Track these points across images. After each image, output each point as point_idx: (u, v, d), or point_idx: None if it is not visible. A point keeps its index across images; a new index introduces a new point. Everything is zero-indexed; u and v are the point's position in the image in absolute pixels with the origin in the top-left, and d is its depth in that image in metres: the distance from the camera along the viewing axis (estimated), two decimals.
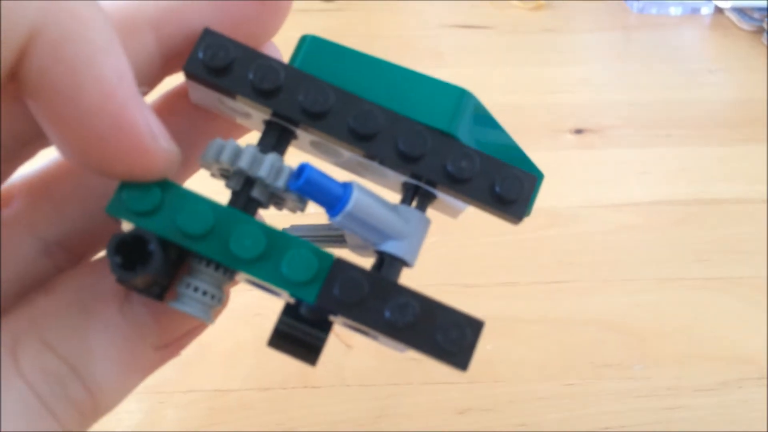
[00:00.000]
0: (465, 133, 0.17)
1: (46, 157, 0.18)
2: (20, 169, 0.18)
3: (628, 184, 0.47)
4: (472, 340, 0.16)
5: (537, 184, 0.17)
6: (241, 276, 0.17)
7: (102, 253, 0.18)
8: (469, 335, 0.16)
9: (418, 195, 0.18)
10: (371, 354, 0.35)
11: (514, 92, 0.55)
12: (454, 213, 0.20)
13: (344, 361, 0.35)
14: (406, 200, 0.18)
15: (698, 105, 0.54)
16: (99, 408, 0.16)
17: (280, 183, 0.17)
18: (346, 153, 0.17)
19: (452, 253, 0.40)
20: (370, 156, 0.17)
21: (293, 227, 0.21)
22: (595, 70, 0.58)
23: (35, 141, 0.16)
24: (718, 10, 0.66)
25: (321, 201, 0.17)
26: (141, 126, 0.14)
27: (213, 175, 0.18)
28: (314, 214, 0.20)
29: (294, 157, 0.18)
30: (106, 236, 0.18)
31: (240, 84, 0.16)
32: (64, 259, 0.18)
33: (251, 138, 0.20)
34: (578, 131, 0.51)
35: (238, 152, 0.16)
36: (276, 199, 0.18)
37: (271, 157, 0.17)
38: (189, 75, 0.16)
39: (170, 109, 0.19)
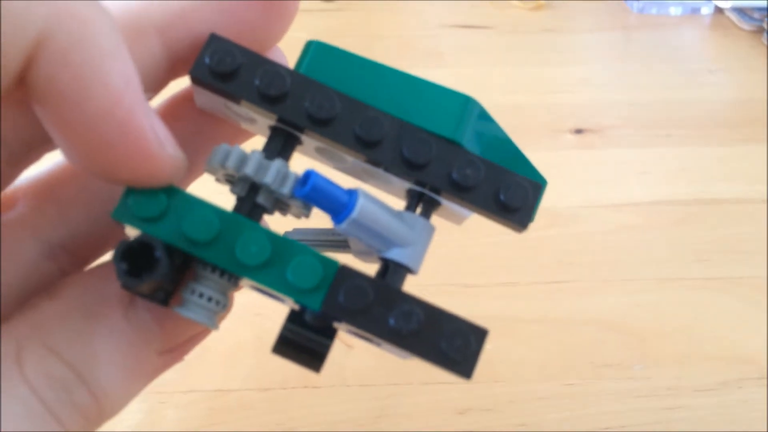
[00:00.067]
0: (469, 140, 0.17)
1: (51, 160, 0.18)
2: (25, 172, 0.18)
3: (628, 184, 0.47)
4: (477, 348, 0.16)
5: (541, 191, 0.17)
6: (245, 282, 0.17)
7: (106, 257, 0.18)
8: (473, 343, 0.16)
9: (422, 202, 0.18)
10: (371, 354, 0.35)
11: (514, 92, 0.55)
12: (458, 220, 0.20)
13: (344, 361, 0.35)
14: (410, 207, 0.18)
15: (698, 105, 0.54)
16: (103, 413, 0.16)
17: (286, 189, 0.17)
18: (351, 159, 0.17)
19: (452, 253, 0.40)
20: (375, 163, 0.17)
21: (295, 230, 0.21)
22: (595, 70, 0.58)
23: (41, 145, 0.16)
24: (718, 10, 0.66)
25: (326, 208, 0.17)
26: (147, 132, 0.14)
27: (218, 180, 0.18)
28: (316, 218, 0.20)
29: (297, 161, 0.18)
30: (110, 240, 0.18)
31: (246, 90, 0.16)
32: (67, 262, 0.18)
33: (256, 143, 0.20)
34: (578, 131, 0.51)
35: (243, 158, 0.16)
36: (281, 205, 0.18)
37: (276, 164, 0.17)
38: (195, 80, 0.16)
39: (175, 114, 0.19)
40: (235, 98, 0.17)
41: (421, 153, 0.17)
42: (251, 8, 0.16)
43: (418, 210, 0.18)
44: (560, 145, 0.50)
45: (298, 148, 0.18)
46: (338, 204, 0.16)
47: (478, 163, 0.17)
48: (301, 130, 0.17)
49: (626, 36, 0.63)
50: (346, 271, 0.16)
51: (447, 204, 0.18)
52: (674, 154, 0.49)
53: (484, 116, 0.18)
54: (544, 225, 0.43)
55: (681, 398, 0.34)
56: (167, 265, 0.15)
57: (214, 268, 0.16)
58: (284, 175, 0.17)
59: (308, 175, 0.16)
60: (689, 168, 0.48)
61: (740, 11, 0.65)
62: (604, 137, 0.51)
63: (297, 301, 0.16)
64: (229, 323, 0.20)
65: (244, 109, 0.17)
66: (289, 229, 0.22)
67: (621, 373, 0.35)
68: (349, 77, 0.17)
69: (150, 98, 0.17)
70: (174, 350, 0.18)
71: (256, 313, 0.35)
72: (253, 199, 0.17)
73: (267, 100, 0.16)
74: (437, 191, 0.17)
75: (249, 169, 0.16)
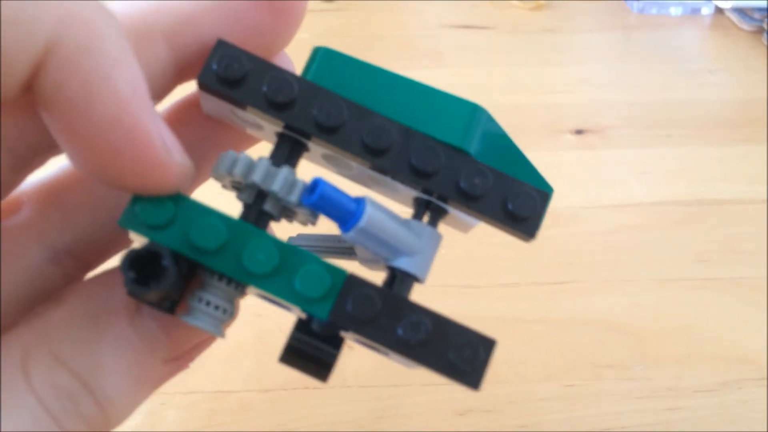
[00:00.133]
0: (477, 148, 0.17)
1: (56, 164, 0.18)
2: (30, 176, 0.17)
3: (629, 185, 0.47)
4: (485, 358, 0.16)
5: (548, 200, 0.17)
6: (252, 290, 0.17)
7: (111, 264, 0.18)
8: (481, 354, 0.16)
9: (429, 210, 0.18)
10: (372, 355, 0.34)
11: (514, 92, 0.55)
12: (465, 228, 0.20)
13: (345, 362, 0.34)
14: (417, 215, 0.18)
15: (698, 105, 0.54)
16: (109, 422, 0.16)
17: (294, 198, 0.16)
18: (358, 166, 0.17)
19: (453, 254, 0.40)
20: (383, 171, 0.17)
21: (300, 236, 0.21)
22: (596, 70, 0.58)
23: (47, 150, 0.16)
24: (719, 11, 0.66)
25: (334, 216, 0.16)
26: (155, 139, 0.14)
27: (224, 186, 0.18)
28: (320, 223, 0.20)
29: (302, 167, 0.18)
30: (115, 245, 0.18)
31: (253, 96, 0.16)
32: (72, 267, 0.18)
33: (261, 148, 0.20)
34: (578, 131, 0.51)
35: (251, 166, 0.16)
36: (287, 212, 0.18)
37: (284, 172, 0.16)
38: (202, 86, 0.16)
39: (182, 119, 0.19)
40: (242, 105, 0.17)
41: (430, 161, 0.16)
42: (258, 13, 0.16)
43: (425, 218, 0.18)
44: (560, 146, 0.50)
45: (305, 155, 0.18)
46: (346, 212, 0.16)
47: (486, 172, 0.17)
48: (308, 137, 0.17)
49: (626, 36, 0.63)
50: (354, 281, 0.16)
51: (454, 212, 0.18)
52: (674, 155, 0.49)
53: (491, 124, 0.18)
54: (545, 225, 0.42)
55: (681, 399, 0.34)
56: (175, 274, 0.15)
57: (220, 276, 0.16)
58: (292, 182, 0.16)
59: (316, 183, 0.16)
60: (689, 168, 0.48)
61: (740, 11, 0.65)
62: (605, 137, 0.51)
63: (304, 311, 0.16)
64: None
65: (251, 116, 0.17)
66: (293, 234, 0.22)
67: (621, 373, 0.35)
68: (356, 84, 0.17)
69: (156, 103, 0.17)
70: (179, 358, 0.18)
71: (257, 314, 0.35)
72: (260, 206, 0.17)
73: (274, 107, 0.16)
74: (444, 200, 0.17)
75: (257, 177, 0.16)
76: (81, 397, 0.15)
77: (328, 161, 0.18)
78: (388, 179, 0.17)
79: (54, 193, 0.18)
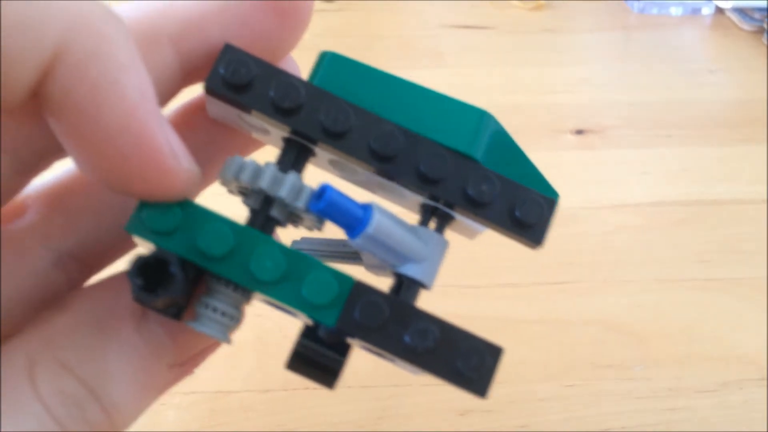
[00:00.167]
0: (484, 155, 0.17)
1: (61, 167, 0.18)
2: (34, 180, 0.17)
3: (629, 185, 0.47)
4: (492, 366, 0.16)
5: (555, 207, 0.17)
6: (258, 296, 0.17)
7: (115, 268, 0.18)
8: (488, 361, 0.16)
9: (436, 216, 0.18)
10: (372, 355, 0.35)
11: (515, 92, 0.55)
12: (471, 234, 0.20)
13: (348, 363, 0.34)
14: (424, 221, 0.18)
15: (699, 105, 0.54)
16: (115, 429, 0.16)
17: (301, 204, 0.16)
18: (364, 171, 0.17)
19: (454, 254, 0.40)
20: (390, 177, 0.17)
21: (303, 240, 0.21)
22: (596, 70, 0.58)
23: (52, 154, 0.16)
24: (719, 11, 0.66)
25: (341, 223, 0.16)
26: (162, 146, 0.14)
27: (230, 191, 0.18)
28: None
29: (309, 171, 0.18)
30: (119, 249, 0.18)
31: (261, 101, 0.16)
32: (75, 270, 0.18)
33: (267, 152, 0.20)
34: (579, 131, 0.51)
35: (258, 172, 0.16)
36: (294, 218, 0.18)
37: (291, 178, 0.16)
38: (209, 91, 0.16)
39: (187, 124, 0.18)
40: (249, 110, 0.16)
41: (437, 168, 0.16)
42: (265, 17, 0.16)
43: (432, 224, 0.18)
44: (560, 146, 0.50)
45: (312, 160, 0.18)
46: (353, 219, 0.16)
47: (493, 179, 0.17)
48: (315, 142, 0.17)
49: (627, 36, 0.63)
50: (361, 287, 0.16)
51: (461, 218, 0.18)
52: (674, 155, 0.49)
53: (498, 130, 0.18)
54: None
55: (681, 399, 0.34)
56: (182, 280, 0.15)
57: (227, 282, 0.16)
58: (299, 188, 0.16)
59: (323, 189, 0.16)
60: (690, 168, 0.48)
61: (741, 11, 0.65)
62: (605, 137, 0.51)
63: (311, 317, 0.16)
64: None
65: (258, 120, 0.17)
66: (296, 237, 0.22)
67: (622, 373, 0.35)
68: (363, 89, 0.17)
69: (162, 107, 0.17)
70: (184, 363, 0.18)
71: (257, 314, 0.35)
72: (267, 211, 0.17)
73: (281, 113, 0.16)
74: (451, 206, 0.17)
75: (264, 183, 0.16)
76: (87, 404, 0.15)
77: (334, 166, 0.18)
78: (394, 185, 0.17)
79: (59, 196, 0.18)
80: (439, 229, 0.18)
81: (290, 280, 0.16)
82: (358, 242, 0.16)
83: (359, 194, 0.18)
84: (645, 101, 0.54)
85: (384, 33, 0.62)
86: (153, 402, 0.17)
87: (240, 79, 0.16)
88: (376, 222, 0.16)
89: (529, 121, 0.52)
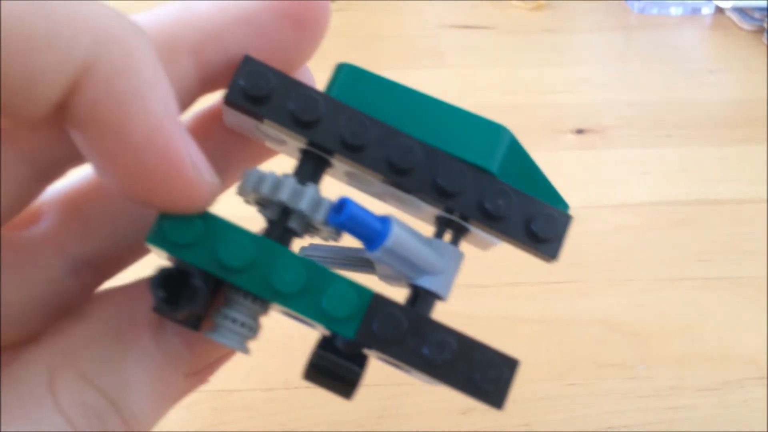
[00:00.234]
0: (500, 168, 0.17)
1: (75, 173, 0.18)
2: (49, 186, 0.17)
3: (629, 185, 0.47)
4: (508, 378, 0.16)
5: (570, 222, 0.17)
6: (276, 307, 0.17)
7: (130, 275, 0.18)
8: (505, 374, 0.16)
9: (451, 228, 0.18)
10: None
11: (515, 92, 0.55)
12: (485, 246, 0.20)
13: None
14: (439, 233, 0.18)
15: (699, 105, 0.54)
16: None
17: (320, 216, 0.16)
18: (380, 183, 0.17)
19: None
20: (408, 190, 0.17)
21: (312, 246, 0.21)
22: (596, 70, 0.58)
23: (70, 162, 0.16)
24: (719, 10, 0.66)
25: (360, 235, 0.17)
26: (186, 160, 0.14)
27: (247, 202, 0.18)
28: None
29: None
30: (133, 255, 0.18)
31: (280, 114, 0.16)
32: (90, 277, 0.18)
33: (281, 161, 0.20)
34: (579, 131, 0.51)
35: (278, 184, 0.16)
36: (311, 229, 0.18)
37: (311, 191, 0.17)
38: (229, 103, 0.16)
39: (204, 133, 0.18)
40: (268, 121, 0.17)
41: (455, 182, 0.17)
42: (283, 28, 0.16)
43: (447, 236, 0.18)
44: (561, 146, 0.50)
45: (328, 170, 0.18)
46: (372, 232, 0.16)
47: (510, 193, 0.17)
48: (333, 154, 0.17)
49: (627, 36, 0.63)
50: (379, 300, 0.16)
51: (476, 231, 0.18)
52: (675, 155, 0.49)
53: (514, 144, 0.18)
54: None
55: (683, 398, 0.34)
56: (205, 292, 0.15)
57: (246, 294, 0.16)
58: (318, 201, 0.17)
59: (343, 203, 0.16)
60: (690, 168, 0.48)
61: (741, 11, 0.65)
62: (605, 137, 0.51)
63: (331, 329, 0.16)
64: None
65: (275, 131, 0.17)
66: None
67: (623, 373, 0.35)
68: (379, 101, 0.17)
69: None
70: (200, 372, 0.18)
71: None
72: (285, 223, 0.17)
73: (301, 125, 0.16)
74: (467, 219, 0.17)
75: (284, 195, 0.16)
76: (108, 416, 0.15)
77: (350, 178, 0.18)
78: (410, 197, 0.17)
79: (74, 203, 0.17)
80: (455, 241, 0.18)
81: (310, 292, 0.16)
82: (376, 255, 0.17)
83: (374, 205, 0.18)
84: (645, 101, 0.54)
85: (384, 33, 0.62)
86: (168, 410, 0.17)
87: (260, 91, 0.16)
88: (394, 235, 0.16)
89: (529, 121, 0.52)
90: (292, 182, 0.16)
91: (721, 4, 0.66)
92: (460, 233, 0.18)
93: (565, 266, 0.41)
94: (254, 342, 0.17)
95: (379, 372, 0.35)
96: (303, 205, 0.16)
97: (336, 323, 0.16)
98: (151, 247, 0.16)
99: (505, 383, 0.16)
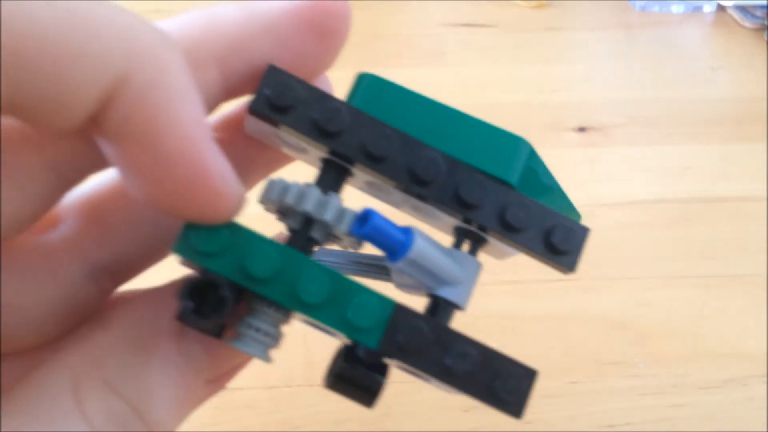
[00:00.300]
0: (519, 181, 0.17)
1: (94, 179, 0.18)
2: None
3: (631, 183, 0.47)
4: (527, 389, 0.16)
5: (587, 234, 0.17)
6: (298, 316, 0.17)
7: (144, 281, 0.18)
8: (524, 384, 0.16)
9: (470, 239, 0.18)
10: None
11: (517, 91, 0.55)
12: (502, 255, 0.20)
13: None
14: (458, 243, 0.18)
15: (701, 103, 0.54)
16: None
17: (344, 227, 0.17)
18: (400, 193, 0.17)
19: None
20: (429, 200, 0.17)
21: (322, 251, 0.21)
22: (597, 68, 0.58)
23: (93, 170, 0.16)
24: (721, 8, 0.66)
25: (383, 246, 0.17)
26: (215, 172, 0.14)
27: (267, 209, 0.18)
28: None
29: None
30: (150, 261, 0.18)
31: (304, 123, 0.16)
32: (108, 283, 0.18)
33: (297, 167, 0.20)
34: (581, 129, 0.51)
35: (302, 194, 0.17)
36: (332, 238, 0.18)
37: (335, 201, 0.17)
38: (254, 112, 0.16)
39: (224, 140, 0.18)
40: (292, 131, 0.17)
41: (476, 194, 0.17)
42: (306, 38, 0.16)
43: (465, 247, 0.18)
44: (563, 144, 0.50)
45: (349, 179, 0.18)
46: (396, 243, 0.17)
47: (530, 206, 0.17)
48: (354, 164, 0.17)
49: (628, 34, 0.63)
50: (402, 310, 0.16)
51: (494, 241, 0.18)
52: (677, 152, 0.49)
53: (533, 157, 0.18)
54: None
55: (685, 395, 0.34)
56: (233, 302, 0.15)
57: (269, 303, 0.16)
58: (342, 212, 0.17)
59: (368, 214, 0.16)
60: (692, 166, 0.48)
61: (742, 9, 0.65)
62: (607, 135, 0.51)
63: (355, 340, 0.16)
64: None
65: (296, 139, 0.17)
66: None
67: (626, 370, 0.35)
68: (400, 111, 0.17)
69: None
70: (219, 378, 0.18)
71: None
72: (307, 232, 0.17)
73: (324, 135, 0.16)
74: (485, 230, 0.17)
75: (309, 206, 0.16)
76: (132, 423, 0.15)
77: (369, 187, 0.18)
78: (429, 207, 0.17)
79: (94, 209, 0.18)
80: (473, 251, 0.18)
81: (335, 302, 0.16)
82: (398, 266, 0.17)
83: (392, 214, 0.18)
84: (647, 99, 0.54)
85: (386, 31, 0.62)
86: (188, 416, 0.17)
87: (284, 101, 0.16)
88: (417, 246, 0.17)
89: (531, 119, 0.52)
90: (316, 193, 0.17)
91: (723, 3, 0.66)
92: (478, 243, 0.18)
93: None
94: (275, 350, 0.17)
95: None
96: (328, 215, 0.17)
97: (360, 333, 0.16)
98: (176, 256, 0.16)
99: (525, 393, 0.16)
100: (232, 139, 0.19)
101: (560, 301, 0.39)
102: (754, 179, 0.47)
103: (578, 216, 0.18)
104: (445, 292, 0.17)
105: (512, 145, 0.17)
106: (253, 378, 0.34)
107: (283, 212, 0.18)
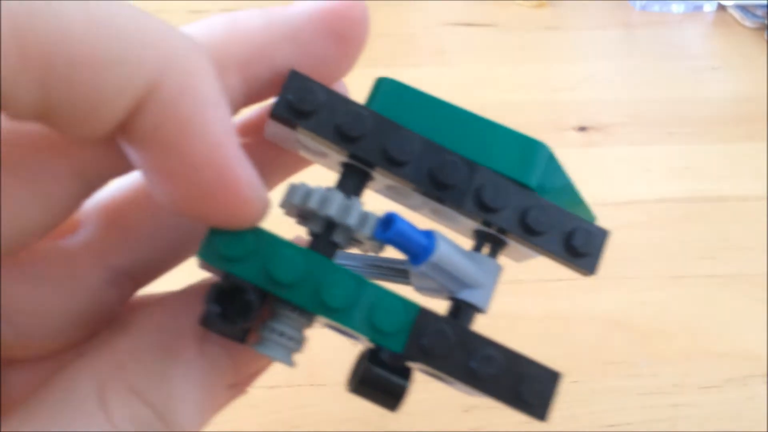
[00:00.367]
0: (539, 184, 0.18)
1: (115, 184, 0.18)
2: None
3: (631, 182, 0.47)
4: (551, 391, 0.16)
5: (606, 238, 0.17)
6: (321, 320, 0.17)
7: (163, 285, 0.18)
8: (549, 387, 0.16)
9: (489, 242, 0.18)
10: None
11: (517, 90, 0.55)
12: (520, 258, 0.20)
13: (350, 359, 0.34)
14: (478, 246, 0.18)
15: (701, 102, 0.54)
16: None
17: (367, 231, 0.17)
18: (419, 196, 0.18)
19: None
20: (450, 204, 0.17)
21: (340, 254, 0.21)
22: (598, 67, 0.58)
23: (116, 175, 0.16)
24: (721, 8, 0.66)
25: (406, 250, 0.17)
26: (242, 178, 0.14)
27: (287, 213, 0.18)
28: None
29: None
30: (170, 265, 0.18)
31: (327, 128, 0.16)
32: (129, 287, 0.18)
33: (314, 172, 0.20)
34: (582, 129, 0.51)
35: (326, 199, 0.17)
36: (354, 242, 0.18)
37: (357, 205, 0.17)
38: (276, 117, 0.16)
39: (246, 145, 0.18)
40: (315, 136, 0.17)
41: (497, 197, 0.17)
42: (328, 44, 0.16)
43: (485, 249, 0.18)
44: (564, 143, 0.50)
45: (369, 183, 0.18)
46: (419, 247, 0.17)
47: (550, 209, 0.17)
48: (375, 168, 0.17)
49: (629, 34, 0.63)
50: (426, 314, 0.16)
51: (514, 244, 0.18)
52: (678, 152, 0.49)
53: (551, 161, 0.18)
54: None
55: (686, 395, 0.34)
56: (259, 307, 0.15)
57: (293, 307, 0.16)
58: (365, 216, 0.17)
59: (391, 218, 0.17)
60: (693, 165, 0.48)
61: (743, 8, 0.65)
62: (608, 135, 0.51)
63: (379, 344, 0.16)
64: None
65: (316, 144, 0.17)
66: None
67: (626, 370, 0.35)
68: (419, 115, 0.17)
69: None
70: (240, 383, 0.18)
71: None
72: (329, 236, 0.17)
73: (347, 140, 0.16)
74: (505, 233, 0.17)
75: (332, 210, 0.16)
76: (156, 428, 0.15)
77: (389, 190, 0.18)
78: (449, 210, 0.17)
79: (115, 214, 0.18)
80: (493, 254, 0.18)
81: (359, 307, 0.16)
82: (421, 269, 0.17)
83: (411, 217, 0.18)
84: (647, 98, 0.54)
85: (386, 31, 0.62)
86: (209, 421, 0.17)
87: (307, 106, 0.16)
88: (440, 250, 0.17)
89: (531, 118, 0.52)
90: (340, 197, 0.17)
91: (723, 2, 0.66)
92: (498, 246, 0.18)
93: None
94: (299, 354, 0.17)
95: None
96: (351, 220, 0.17)
97: (385, 337, 0.16)
98: (201, 261, 0.16)
99: (549, 396, 0.16)
100: (253, 143, 0.19)
101: (560, 301, 0.39)
102: (755, 179, 0.47)
103: (593, 218, 0.18)
104: (467, 295, 0.17)
105: (532, 148, 0.18)
106: None
107: (305, 216, 0.18)
